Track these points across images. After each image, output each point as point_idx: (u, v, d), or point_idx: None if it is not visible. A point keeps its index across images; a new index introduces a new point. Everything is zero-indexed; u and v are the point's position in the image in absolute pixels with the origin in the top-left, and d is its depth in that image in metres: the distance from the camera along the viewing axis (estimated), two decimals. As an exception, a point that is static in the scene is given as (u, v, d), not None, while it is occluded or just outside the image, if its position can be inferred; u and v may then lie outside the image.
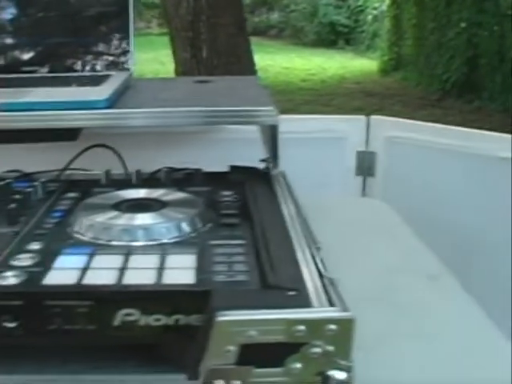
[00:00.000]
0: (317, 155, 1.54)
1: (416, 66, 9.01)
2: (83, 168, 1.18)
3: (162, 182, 1.06)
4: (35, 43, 1.30)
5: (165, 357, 0.71)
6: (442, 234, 1.39)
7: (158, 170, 1.10)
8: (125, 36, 1.30)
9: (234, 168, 1.12)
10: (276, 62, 10.71)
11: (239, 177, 1.08)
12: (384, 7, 11.42)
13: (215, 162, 1.12)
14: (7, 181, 1.03)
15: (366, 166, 1.60)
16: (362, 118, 1.60)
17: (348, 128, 1.59)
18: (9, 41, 1.30)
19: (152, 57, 9.63)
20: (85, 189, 1.03)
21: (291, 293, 0.68)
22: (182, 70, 5.10)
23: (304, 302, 0.68)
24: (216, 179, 1.08)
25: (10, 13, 1.32)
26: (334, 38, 14.05)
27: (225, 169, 1.13)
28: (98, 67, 1.30)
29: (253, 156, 1.14)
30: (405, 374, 0.79)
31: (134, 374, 0.70)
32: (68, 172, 1.17)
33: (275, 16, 16.82)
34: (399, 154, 1.56)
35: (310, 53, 12.63)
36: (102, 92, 1.07)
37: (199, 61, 4.99)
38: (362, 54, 12.35)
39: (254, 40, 5.61)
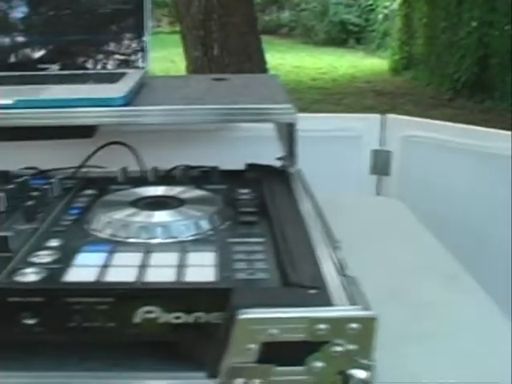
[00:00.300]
0: (332, 154, 1.53)
1: (427, 66, 8.98)
2: (99, 165, 1.18)
3: (178, 179, 1.06)
4: (51, 41, 1.30)
5: (184, 355, 0.71)
6: (458, 234, 1.38)
7: (175, 168, 1.10)
8: (140, 34, 1.30)
9: (250, 166, 1.12)
10: (286, 60, 10.70)
11: (256, 175, 1.08)
12: (395, 6, 11.40)
13: (231, 159, 1.11)
14: (24, 178, 1.03)
15: (381, 164, 1.59)
16: (378, 116, 1.59)
17: (363, 127, 1.59)
18: (25, 39, 1.30)
19: (162, 55, 9.64)
20: (101, 186, 1.02)
21: (312, 291, 0.67)
22: (193, 68, 5.10)
23: (325, 300, 0.67)
24: (233, 177, 1.07)
25: (25, 11, 1.31)
26: (344, 36, 14.04)
27: (240, 167, 1.13)
28: (114, 65, 1.30)
29: (268, 154, 1.14)
30: (422, 373, 0.79)
31: (153, 372, 0.70)
32: (84, 169, 1.16)
33: (286, 15, 16.82)
34: (415, 153, 1.56)
35: (321, 52, 12.62)
36: (118, 89, 1.07)
37: (210, 59, 4.99)
38: (373, 53, 12.33)
39: (264, 39, 5.60)
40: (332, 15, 14.18)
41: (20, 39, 1.30)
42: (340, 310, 0.66)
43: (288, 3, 16.56)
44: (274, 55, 9.21)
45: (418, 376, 0.78)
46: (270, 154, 1.14)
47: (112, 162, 1.17)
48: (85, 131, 1.18)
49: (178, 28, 6.52)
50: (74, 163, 1.16)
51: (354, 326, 0.65)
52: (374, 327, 0.65)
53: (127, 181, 1.05)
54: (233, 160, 1.11)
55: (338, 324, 0.65)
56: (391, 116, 1.61)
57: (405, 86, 8.94)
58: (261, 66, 5.12)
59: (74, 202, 0.96)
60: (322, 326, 0.65)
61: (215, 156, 1.17)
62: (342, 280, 0.73)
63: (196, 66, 5.08)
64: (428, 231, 1.23)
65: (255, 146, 1.40)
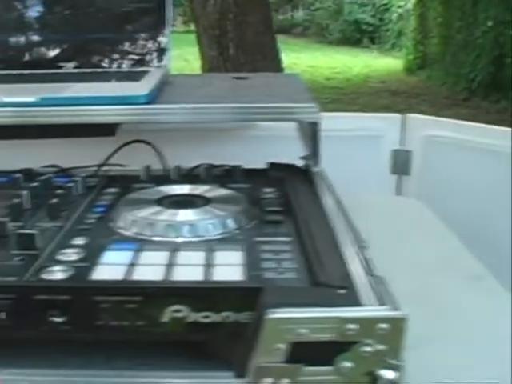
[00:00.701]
0: (352, 153, 1.52)
1: (442, 65, 8.95)
2: (120, 163, 1.18)
3: (201, 178, 1.05)
4: (72, 39, 1.30)
5: (212, 354, 0.71)
6: (478, 234, 1.37)
7: (197, 166, 1.10)
8: (162, 32, 1.30)
9: (272, 165, 1.11)
10: (301, 60, 10.69)
11: (279, 174, 1.07)
12: (409, 5, 11.37)
13: (251, 158, 1.11)
14: (47, 176, 1.03)
15: (401, 164, 1.58)
16: (398, 116, 1.58)
17: (384, 126, 1.58)
18: (46, 37, 1.30)
19: (177, 54, 9.62)
20: (124, 184, 1.02)
21: (341, 291, 0.67)
22: (208, 67, 5.10)
23: (354, 300, 0.67)
24: (256, 176, 1.07)
25: (46, 9, 1.32)
26: (358, 36, 14.02)
27: (260, 166, 1.12)
28: (135, 63, 1.30)
29: (288, 153, 1.13)
30: (446, 374, 0.78)
31: (180, 371, 0.70)
32: (105, 167, 1.16)
33: (300, 14, 16.81)
34: (435, 153, 1.55)
35: (335, 51, 12.60)
36: (142, 87, 1.07)
37: (226, 59, 4.99)
38: (387, 53, 12.30)
39: (278, 38, 5.59)
40: (346, 14, 14.16)
41: (42, 37, 1.30)
42: (370, 310, 0.66)
43: (302, 2, 16.55)
44: (289, 54, 9.18)
45: (442, 376, 0.78)
46: (290, 153, 1.14)
47: (132, 160, 1.17)
48: (107, 129, 1.18)
49: (191, 27, 6.53)
50: (94, 161, 1.16)
51: (383, 326, 0.65)
52: (404, 327, 0.65)
53: (150, 179, 1.04)
54: (253, 159, 1.11)
55: (367, 324, 0.64)
56: (412, 115, 1.60)
57: (419, 86, 8.92)
58: (276, 66, 5.12)
59: (97, 200, 0.96)
60: (351, 326, 0.64)
61: (235, 155, 1.17)
62: (370, 280, 0.72)
63: (211, 66, 5.08)
64: (450, 231, 1.22)
65: (275, 145, 1.40)
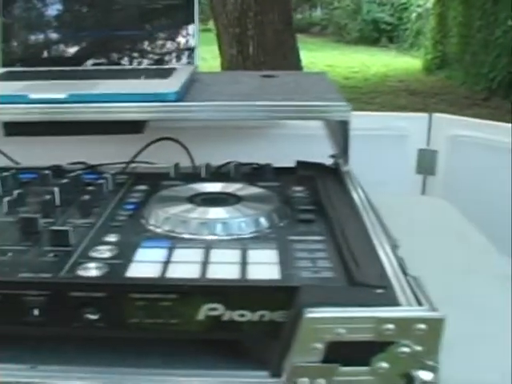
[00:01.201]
0: (377, 152, 1.52)
1: (461, 65, 8.91)
2: (147, 161, 1.18)
3: (230, 176, 1.05)
4: (102, 36, 1.30)
5: (247, 353, 0.70)
6: (503, 234, 1.36)
7: (226, 164, 1.09)
8: (190, 29, 1.30)
9: (301, 163, 1.11)
10: (319, 59, 10.67)
11: (308, 172, 1.07)
12: (429, 5, 11.33)
13: (276, 157, 1.11)
14: (77, 172, 1.03)
15: (426, 164, 1.58)
16: (425, 115, 1.57)
17: (410, 126, 1.57)
18: (75, 34, 1.30)
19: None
20: (153, 182, 1.02)
21: (379, 290, 0.67)
22: (227, 66, 5.10)
23: (392, 300, 0.66)
24: (284, 174, 1.07)
25: (75, 6, 1.32)
26: (377, 35, 13.97)
27: (286, 164, 1.12)
28: (163, 61, 1.30)
29: (314, 152, 1.13)
30: (480, 375, 0.77)
31: (215, 370, 0.69)
32: (132, 165, 1.16)
33: (318, 13, 16.79)
34: (461, 153, 1.54)
35: (353, 50, 12.57)
36: (171, 85, 1.07)
37: (246, 57, 4.99)
38: (406, 52, 12.26)
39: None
40: (365, 14, 14.13)
41: (71, 35, 1.30)
42: (408, 310, 0.66)
43: (320, 2, 16.53)
44: (306, 54, 9.16)
45: (474, 377, 0.77)
46: (316, 152, 1.13)
47: (158, 157, 1.17)
48: (135, 127, 1.17)
49: (209, 26, 6.53)
50: (119, 159, 1.16)
51: (421, 326, 0.64)
52: (442, 328, 0.64)
53: (179, 177, 1.04)
54: (278, 157, 1.11)
55: (405, 325, 0.64)
56: (438, 115, 1.59)
57: (438, 86, 8.88)
58: (296, 64, 5.11)
59: (127, 197, 0.96)
60: (389, 327, 0.64)
61: (261, 153, 1.17)
62: (406, 280, 0.72)
63: (231, 64, 5.08)
64: (478, 231, 1.21)
65: (301, 143, 1.39)
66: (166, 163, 1.12)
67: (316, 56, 10.90)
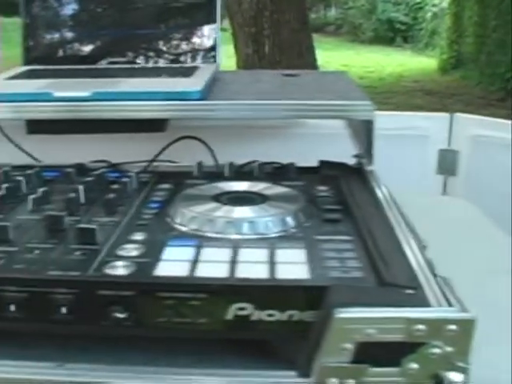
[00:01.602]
0: (398, 152, 1.51)
1: (477, 65, 8.88)
2: (169, 160, 1.18)
3: (253, 175, 1.05)
4: (125, 34, 1.30)
5: (275, 353, 0.70)
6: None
7: (249, 163, 1.09)
8: (212, 28, 1.29)
9: (324, 163, 1.10)
10: (334, 58, 10.65)
11: (331, 172, 1.06)
12: (444, 4, 11.29)
13: (296, 156, 1.10)
14: (100, 171, 1.03)
15: (448, 164, 1.57)
16: (446, 115, 1.57)
17: (431, 125, 1.57)
18: (98, 32, 1.30)
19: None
20: (177, 180, 1.02)
21: (409, 291, 0.66)
22: (243, 65, 5.10)
23: (423, 301, 0.66)
24: (307, 174, 1.06)
25: (97, 4, 1.32)
26: (391, 35, 13.94)
27: (305, 163, 1.11)
28: (185, 59, 1.29)
29: (334, 151, 1.12)
30: (508, 375, 0.77)
31: (242, 370, 0.69)
32: (154, 163, 1.16)
33: (332, 13, 16.77)
34: (482, 153, 1.53)
35: (368, 50, 12.55)
36: (195, 83, 1.07)
37: (261, 56, 4.98)
38: (420, 52, 12.23)
39: (310, 36, 5.57)
40: (380, 13, 14.10)
41: (94, 33, 1.30)
42: (439, 311, 0.65)
43: (335, 1, 16.51)
44: (321, 53, 9.14)
45: (498, 379, 0.76)
46: (336, 151, 1.13)
47: (178, 156, 1.17)
48: (157, 125, 1.18)
49: (223, 25, 6.53)
50: (136, 157, 1.16)
51: (452, 327, 0.64)
52: (473, 329, 0.64)
53: (203, 175, 1.04)
54: (299, 157, 1.10)
55: (436, 325, 0.63)
56: (459, 115, 1.59)
57: (453, 86, 8.85)
58: (312, 64, 5.10)
59: (151, 195, 0.96)
60: (419, 327, 0.63)
61: (282, 152, 1.16)
62: (435, 280, 0.71)
63: (246, 63, 5.08)
64: (502, 231, 1.20)
65: (321, 142, 1.39)
66: (185, 162, 1.12)
67: (331, 55, 10.88)
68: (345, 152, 1.14)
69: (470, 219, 1.27)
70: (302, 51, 5.05)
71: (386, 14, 13.86)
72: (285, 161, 1.11)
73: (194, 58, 1.30)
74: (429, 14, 12.33)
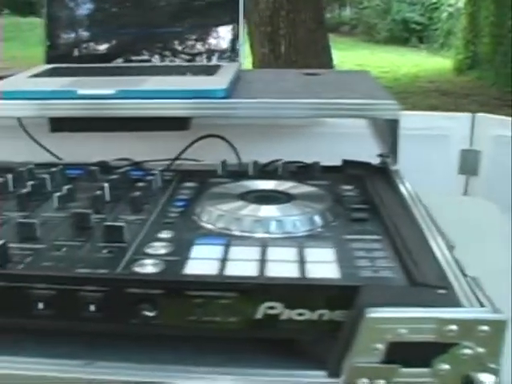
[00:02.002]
0: (419, 152, 1.50)
1: (492, 65, 8.84)
2: (192, 158, 1.18)
3: (278, 174, 1.04)
4: (148, 32, 1.30)
5: (305, 352, 0.70)
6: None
7: (272, 162, 1.09)
8: (235, 26, 1.29)
9: (347, 162, 1.10)
10: (349, 58, 10.63)
11: (355, 171, 1.06)
12: (460, 4, 11.25)
13: (319, 155, 1.10)
14: (125, 169, 1.02)
15: (469, 164, 1.56)
16: (468, 115, 1.55)
17: (452, 125, 1.56)
18: (121, 30, 1.30)
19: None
20: (201, 179, 1.02)
21: (440, 291, 0.66)
22: (259, 65, 5.09)
23: (454, 301, 0.65)
24: (331, 173, 1.06)
25: (120, 2, 1.32)
26: (407, 35, 13.91)
27: (327, 162, 1.11)
28: (208, 58, 1.29)
29: (354, 150, 1.12)
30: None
31: (272, 369, 0.68)
32: (177, 162, 1.16)
33: (347, 13, 16.75)
34: (504, 153, 1.52)
35: (383, 50, 12.52)
36: (219, 82, 1.06)
37: (277, 56, 4.98)
38: (436, 52, 12.19)
39: (325, 36, 5.55)
40: (395, 13, 14.06)
41: (118, 31, 1.30)
42: (471, 311, 0.65)
43: (350, 1, 16.48)
44: (336, 53, 9.13)
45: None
46: (358, 151, 1.12)
47: (200, 154, 1.17)
48: (181, 123, 1.18)
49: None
50: (159, 156, 1.15)
51: (484, 328, 0.63)
52: (505, 330, 0.63)
53: (227, 174, 1.04)
54: (321, 156, 1.10)
55: (467, 326, 0.63)
56: (481, 115, 1.57)
57: (469, 86, 8.81)
58: (328, 63, 5.09)
59: (176, 194, 0.96)
60: (451, 328, 0.63)
61: (304, 151, 1.16)
62: (466, 280, 0.70)
63: (262, 63, 5.07)
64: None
65: (343, 142, 1.38)
66: (207, 160, 1.12)
67: (346, 55, 10.86)
68: (367, 151, 1.14)
69: (490, 219, 1.26)
70: (318, 51, 5.04)
71: (401, 14, 13.83)
72: (307, 160, 1.10)
73: (216, 57, 1.29)
74: (444, 14, 12.29)
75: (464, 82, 9.29)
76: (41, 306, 0.68)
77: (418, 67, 10.53)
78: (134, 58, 1.28)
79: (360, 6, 15.77)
